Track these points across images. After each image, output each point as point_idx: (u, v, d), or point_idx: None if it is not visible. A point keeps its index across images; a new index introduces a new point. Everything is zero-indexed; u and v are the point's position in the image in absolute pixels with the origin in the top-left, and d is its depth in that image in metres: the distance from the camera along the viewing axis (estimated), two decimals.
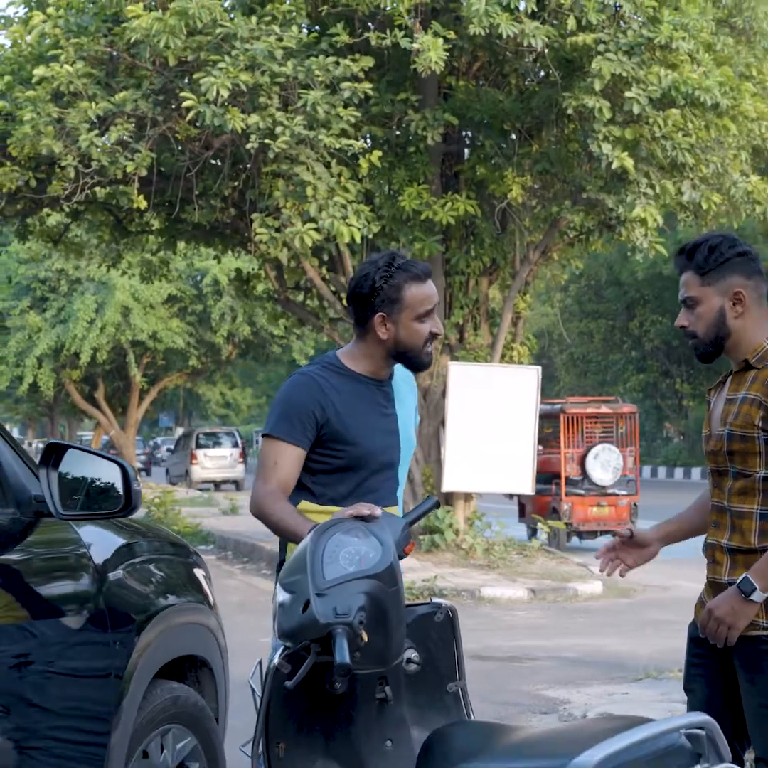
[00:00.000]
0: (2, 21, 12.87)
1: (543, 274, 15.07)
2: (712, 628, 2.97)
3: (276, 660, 2.81)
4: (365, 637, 2.65)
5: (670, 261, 21.87)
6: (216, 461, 32.86)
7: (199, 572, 3.87)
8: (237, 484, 32.83)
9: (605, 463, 15.62)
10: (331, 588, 2.65)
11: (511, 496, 16.92)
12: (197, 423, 51.41)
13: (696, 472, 34.15)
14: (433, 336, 3.34)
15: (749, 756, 3.00)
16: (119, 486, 2.97)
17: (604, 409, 16.47)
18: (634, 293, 35.11)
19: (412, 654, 2.99)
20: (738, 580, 2.94)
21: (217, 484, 32.87)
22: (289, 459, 3.23)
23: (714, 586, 3.08)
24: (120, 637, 3.16)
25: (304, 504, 3.26)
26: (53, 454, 2.87)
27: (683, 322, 3.09)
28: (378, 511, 2.88)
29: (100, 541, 3.28)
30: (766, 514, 2.97)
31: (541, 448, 14.72)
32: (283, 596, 2.75)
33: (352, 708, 2.89)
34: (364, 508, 2.86)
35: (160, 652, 3.38)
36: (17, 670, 2.73)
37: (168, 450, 43.74)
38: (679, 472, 36.47)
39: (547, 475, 15.59)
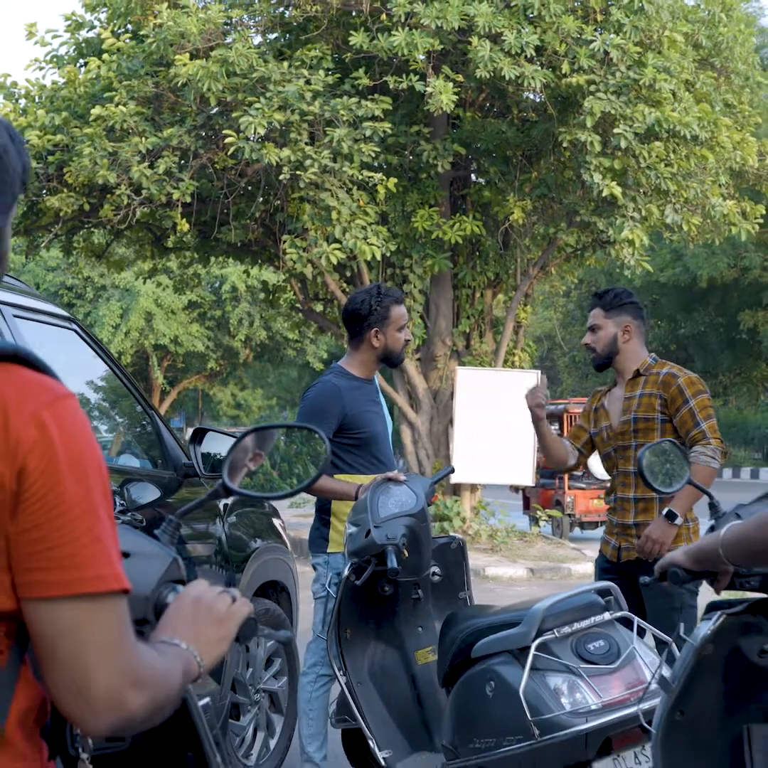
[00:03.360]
0: (54, 59, 14.21)
1: (542, 286, 16.33)
2: (649, 547, 4.28)
3: (346, 571, 4.23)
4: (406, 554, 4.06)
5: (666, 269, 23.36)
6: None
7: (277, 522, 5.27)
8: None
9: None
10: (384, 522, 4.06)
11: (516, 489, 18.06)
12: (208, 424, 52.48)
13: None
14: (406, 342, 4.77)
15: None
16: None
17: None
18: None
19: (436, 569, 4.42)
20: (664, 512, 4.23)
21: None
22: None
23: (620, 527, 4.46)
24: (235, 563, 4.58)
25: (338, 476, 4.58)
26: (198, 435, 4.26)
27: (588, 340, 4.56)
28: (402, 476, 4.32)
29: None
30: None
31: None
32: (351, 529, 4.17)
33: (396, 605, 4.31)
34: (391, 474, 4.29)
35: (257, 577, 4.79)
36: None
37: None
38: None
39: (550, 470, 16.49)
